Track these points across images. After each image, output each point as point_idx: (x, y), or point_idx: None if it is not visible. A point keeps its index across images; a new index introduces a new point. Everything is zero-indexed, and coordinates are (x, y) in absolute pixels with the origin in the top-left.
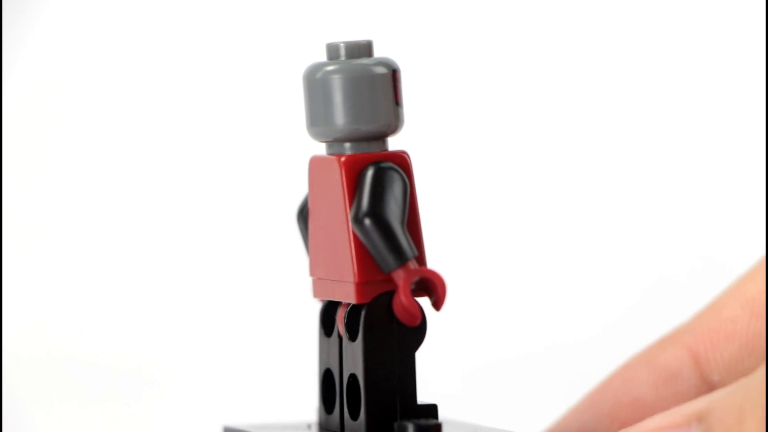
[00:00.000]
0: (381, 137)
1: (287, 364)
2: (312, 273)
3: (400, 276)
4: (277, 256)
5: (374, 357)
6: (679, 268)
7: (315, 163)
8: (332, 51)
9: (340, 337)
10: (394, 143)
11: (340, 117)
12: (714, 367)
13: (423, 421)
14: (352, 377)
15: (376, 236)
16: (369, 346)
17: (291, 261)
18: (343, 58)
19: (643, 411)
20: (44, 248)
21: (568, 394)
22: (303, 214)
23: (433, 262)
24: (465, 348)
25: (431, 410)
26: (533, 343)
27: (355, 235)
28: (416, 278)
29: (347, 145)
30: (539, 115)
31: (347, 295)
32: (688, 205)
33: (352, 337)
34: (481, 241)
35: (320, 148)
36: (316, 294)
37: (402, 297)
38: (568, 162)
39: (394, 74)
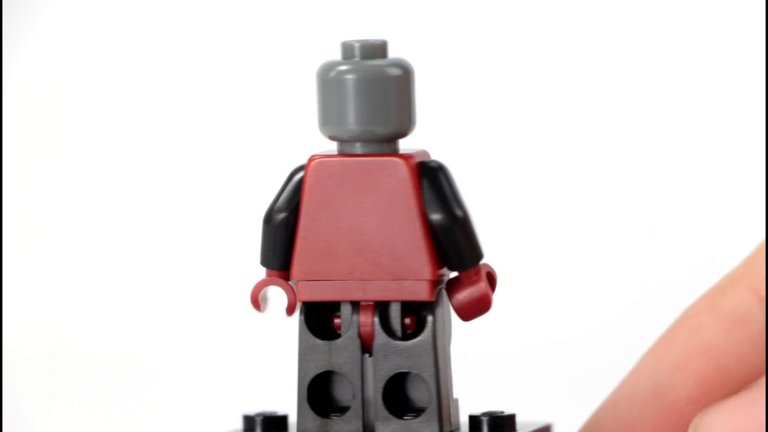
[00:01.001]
0: (393, 139)
1: (288, 364)
2: (299, 275)
3: (475, 272)
4: None
5: (440, 353)
6: (679, 271)
7: (331, 166)
8: (347, 50)
9: (360, 339)
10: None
11: (352, 117)
12: None
13: (495, 412)
14: (401, 377)
15: (464, 234)
16: (436, 342)
17: None
18: (357, 58)
19: (718, 358)
20: (45, 246)
21: (566, 391)
22: (289, 217)
23: None
24: (463, 344)
25: (456, 404)
26: (532, 341)
27: (427, 234)
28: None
29: (357, 145)
30: (539, 116)
31: (405, 293)
32: (691, 207)
33: (402, 336)
34: (486, 241)
35: (306, 148)
36: (304, 296)
37: (487, 291)
38: (577, 164)
39: (408, 76)
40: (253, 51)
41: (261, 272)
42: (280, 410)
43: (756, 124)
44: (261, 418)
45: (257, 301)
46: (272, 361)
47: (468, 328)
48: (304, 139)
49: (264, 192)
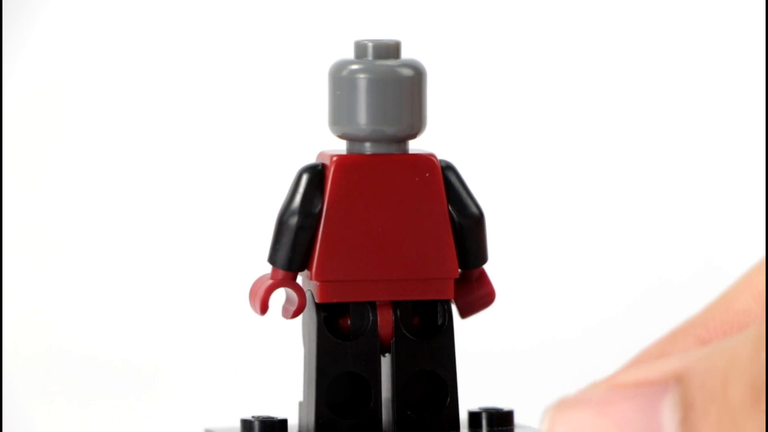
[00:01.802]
0: (404, 139)
1: (288, 364)
2: (322, 276)
3: (480, 270)
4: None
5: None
6: (680, 270)
7: (357, 164)
8: (360, 49)
9: (380, 339)
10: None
11: (363, 117)
12: None
13: (493, 408)
14: (424, 375)
15: (482, 232)
16: (453, 339)
17: None
18: (370, 57)
19: None
20: (45, 246)
21: (565, 390)
22: (310, 218)
23: None
24: (463, 341)
25: None
26: (533, 339)
27: (452, 233)
28: None
29: (367, 145)
30: (540, 117)
31: (430, 292)
32: (691, 208)
33: (420, 335)
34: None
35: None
36: (325, 297)
37: (494, 288)
38: (577, 165)
39: (420, 77)
40: (259, 49)
41: (259, 273)
42: (277, 414)
43: (756, 124)
44: (259, 421)
45: (267, 304)
46: (271, 363)
47: (468, 325)
48: (300, 138)
49: (263, 191)
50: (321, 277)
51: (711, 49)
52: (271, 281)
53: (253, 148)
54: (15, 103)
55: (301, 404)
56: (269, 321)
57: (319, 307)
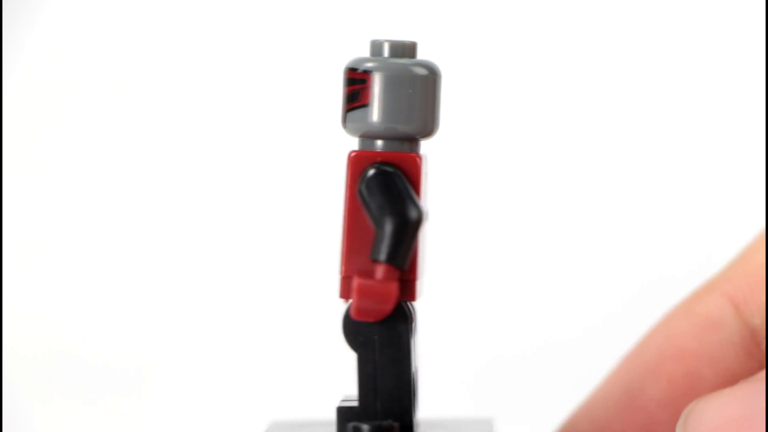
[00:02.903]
0: (415, 139)
1: (287, 364)
2: (420, 274)
3: None
4: (277, 255)
5: None
6: (676, 268)
7: (422, 162)
8: (375, 48)
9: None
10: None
11: (376, 115)
12: (755, 310)
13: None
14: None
15: None
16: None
17: (291, 260)
18: (385, 55)
19: (689, 361)
20: (45, 246)
21: (565, 391)
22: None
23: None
24: (462, 344)
25: None
26: (528, 341)
27: None
28: None
29: (379, 143)
30: (537, 114)
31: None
32: (688, 206)
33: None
34: (480, 239)
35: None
36: (422, 295)
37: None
38: (568, 162)
39: (434, 77)
40: (260, 49)
41: (264, 274)
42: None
43: (755, 120)
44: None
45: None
46: (270, 362)
47: (465, 330)
48: (297, 137)
49: (263, 190)
50: (420, 275)
51: (711, 49)
52: (394, 282)
53: (254, 148)
54: (15, 103)
55: (349, 408)
56: (268, 321)
57: (413, 307)
